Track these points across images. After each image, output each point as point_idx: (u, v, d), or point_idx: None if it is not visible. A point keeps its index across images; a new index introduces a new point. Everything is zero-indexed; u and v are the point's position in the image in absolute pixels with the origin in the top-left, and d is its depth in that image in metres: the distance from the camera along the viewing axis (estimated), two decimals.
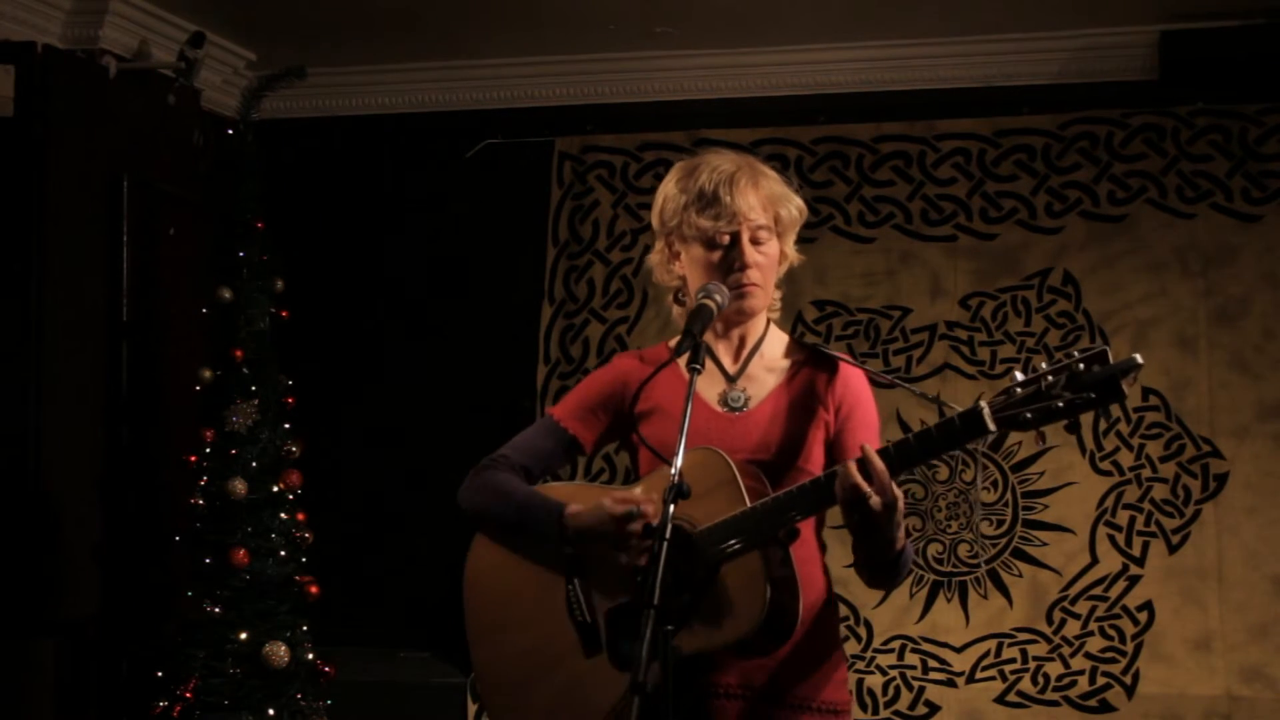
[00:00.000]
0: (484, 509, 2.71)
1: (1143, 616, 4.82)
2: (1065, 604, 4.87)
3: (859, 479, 2.36)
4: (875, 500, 2.36)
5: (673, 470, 2.27)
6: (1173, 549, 4.84)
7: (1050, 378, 2.28)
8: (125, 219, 4.66)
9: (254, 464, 4.36)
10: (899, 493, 2.39)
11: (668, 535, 2.23)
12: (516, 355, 5.33)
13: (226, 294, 4.43)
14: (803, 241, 2.78)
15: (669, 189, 2.69)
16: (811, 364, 2.69)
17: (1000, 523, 4.95)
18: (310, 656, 4.38)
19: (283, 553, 4.38)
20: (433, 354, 5.45)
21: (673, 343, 2.57)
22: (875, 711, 4.93)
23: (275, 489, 4.39)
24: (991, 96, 5.14)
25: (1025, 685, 4.85)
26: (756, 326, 2.71)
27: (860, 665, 4.93)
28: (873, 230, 5.17)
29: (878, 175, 5.17)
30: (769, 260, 2.65)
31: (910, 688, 4.93)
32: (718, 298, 2.55)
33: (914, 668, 4.93)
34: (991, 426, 2.32)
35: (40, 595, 4.33)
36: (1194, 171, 4.95)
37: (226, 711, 4.22)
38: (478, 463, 2.76)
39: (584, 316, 5.31)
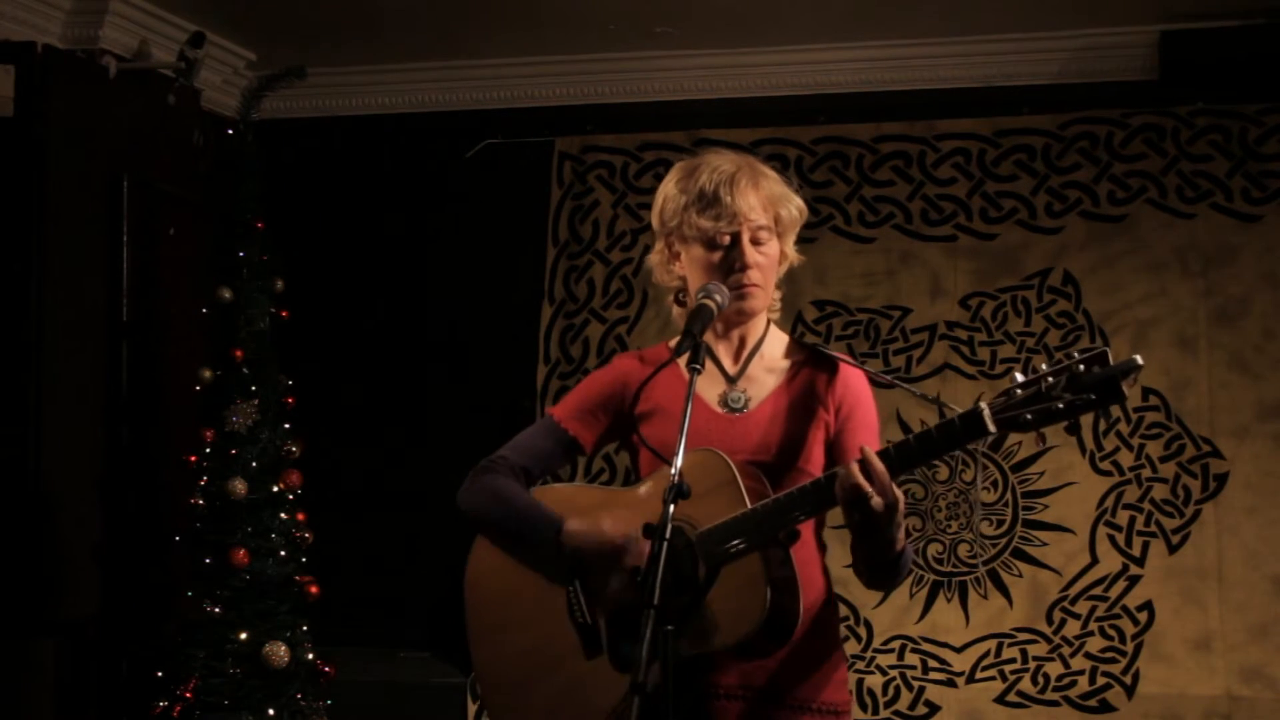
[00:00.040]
0: (482, 515, 2.71)
1: (1143, 616, 4.82)
2: (1065, 604, 4.87)
3: (861, 479, 2.36)
4: (877, 501, 2.36)
5: (673, 470, 2.27)
6: (1173, 549, 4.84)
7: (1050, 379, 2.28)
8: (125, 219, 4.66)
9: (254, 464, 4.36)
10: (900, 494, 2.39)
11: (668, 535, 2.23)
12: (516, 355, 5.33)
13: (226, 294, 4.43)
14: (803, 241, 2.78)
15: (669, 189, 2.69)
16: (811, 364, 2.69)
17: (1000, 523, 4.95)
18: (310, 656, 4.38)
19: (283, 553, 4.38)
20: (433, 354, 5.45)
21: (673, 343, 2.57)
22: (875, 711, 4.93)
23: (275, 489, 4.39)
24: (991, 96, 5.14)
25: (1025, 685, 4.85)
26: (756, 327, 2.71)
27: (860, 665, 4.93)
28: (873, 230, 5.17)
29: (878, 175, 5.17)
30: (769, 261, 2.65)
31: (910, 688, 4.93)
32: (718, 298, 2.54)
33: (914, 668, 4.93)
34: (992, 428, 2.31)
35: (40, 595, 4.33)
36: (1194, 171, 4.95)
37: (226, 711, 4.22)
38: (477, 463, 2.76)
39: (584, 316, 5.31)
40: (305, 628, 4.40)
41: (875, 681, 4.95)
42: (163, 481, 4.65)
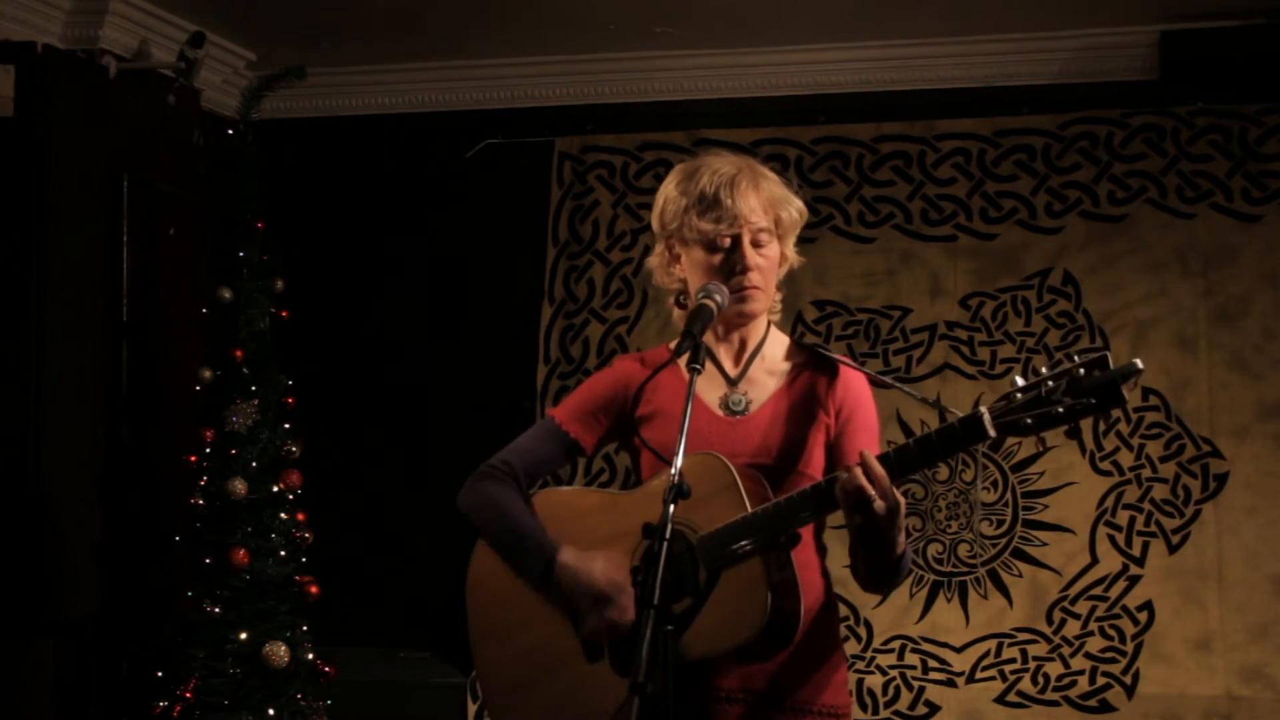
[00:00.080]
0: (480, 525, 2.72)
1: (1143, 616, 4.82)
2: (1065, 604, 4.87)
3: (863, 481, 2.36)
4: (878, 504, 2.35)
5: (673, 470, 2.27)
6: (1173, 549, 4.84)
7: (1050, 383, 2.28)
8: (125, 219, 4.66)
9: (254, 464, 4.36)
10: (900, 497, 2.39)
11: (668, 536, 2.22)
12: (516, 355, 5.33)
13: (226, 294, 4.43)
14: (803, 242, 2.78)
15: (669, 191, 2.69)
16: (812, 366, 2.69)
17: (1000, 523, 4.95)
18: (310, 656, 4.38)
19: (283, 553, 4.39)
20: (433, 354, 5.45)
21: (673, 344, 2.56)
22: (875, 711, 4.93)
23: (275, 489, 4.39)
24: (991, 96, 5.14)
25: (1025, 685, 4.85)
26: (757, 329, 2.70)
27: (860, 665, 4.93)
28: (873, 230, 5.16)
29: (878, 175, 5.17)
30: (770, 263, 2.65)
31: (910, 688, 4.93)
32: (718, 298, 2.54)
33: (914, 668, 4.94)
34: (991, 432, 2.31)
35: (40, 595, 4.33)
36: (1194, 171, 4.95)
37: (226, 711, 4.22)
38: (477, 466, 2.75)
39: (584, 316, 5.31)
40: (305, 628, 4.40)
41: (875, 682, 4.95)
42: (163, 481, 4.65)
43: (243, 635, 4.26)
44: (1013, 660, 4.87)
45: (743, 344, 2.70)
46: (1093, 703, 4.81)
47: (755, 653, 2.49)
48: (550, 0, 4.77)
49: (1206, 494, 4.84)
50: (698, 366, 2.42)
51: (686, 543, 2.47)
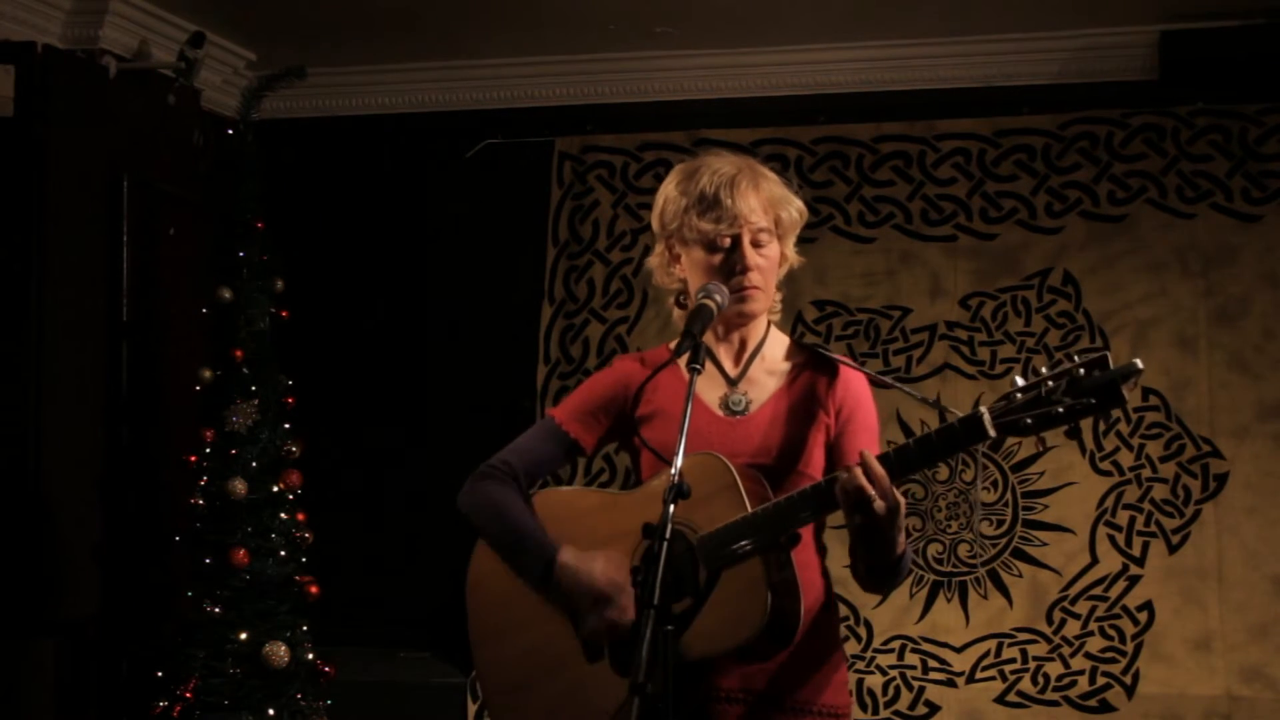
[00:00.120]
0: (480, 525, 2.72)
1: (1143, 616, 4.82)
2: (1065, 604, 4.87)
3: (864, 481, 2.36)
4: (879, 504, 2.35)
5: (673, 470, 2.27)
6: (1173, 549, 4.84)
7: (1050, 383, 2.28)
8: (125, 219, 4.66)
9: (254, 464, 4.36)
10: (900, 497, 2.39)
11: (668, 536, 2.22)
12: (516, 355, 5.33)
13: (226, 294, 4.43)
14: (803, 242, 2.77)
15: (669, 192, 2.69)
16: (812, 367, 2.69)
17: (1000, 523, 4.95)
18: (310, 656, 4.38)
19: (283, 553, 4.39)
20: (433, 354, 5.45)
21: (673, 344, 2.56)
22: (875, 711, 4.93)
23: (275, 489, 4.39)
24: (991, 96, 5.14)
25: (1025, 685, 4.85)
26: (757, 329, 2.70)
27: (860, 665, 4.93)
28: (873, 230, 5.16)
29: (878, 175, 5.17)
30: (770, 263, 2.65)
31: (910, 688, 4.93)
32: (718, 298, 2.54)
33: (914, 668, 4.94)
34: (991, 433, 2.31)
35: (40, 595, 4.33)
36: (1194, 171, 4.95)
37: (226, 711, 4.23)
38: (478, 466, 2.75)
39: (584, 316, 5.31)
40: (305, 628, 4.40)
41: (875, 681, 4.95)
42: (163, 481, 4.65)
43: (243, 635, 4.26)
44: (1013, 660, 4.87)
45: (743, 344, 2.70)
46: (1093, 703, 4.81)
47: (755, 653, 2.49)
48: (550, 0, 4.77)
49: (1206, 494, 4.84)
50: (698, 366, 2.42)
51: (686, 543, 2.47)
